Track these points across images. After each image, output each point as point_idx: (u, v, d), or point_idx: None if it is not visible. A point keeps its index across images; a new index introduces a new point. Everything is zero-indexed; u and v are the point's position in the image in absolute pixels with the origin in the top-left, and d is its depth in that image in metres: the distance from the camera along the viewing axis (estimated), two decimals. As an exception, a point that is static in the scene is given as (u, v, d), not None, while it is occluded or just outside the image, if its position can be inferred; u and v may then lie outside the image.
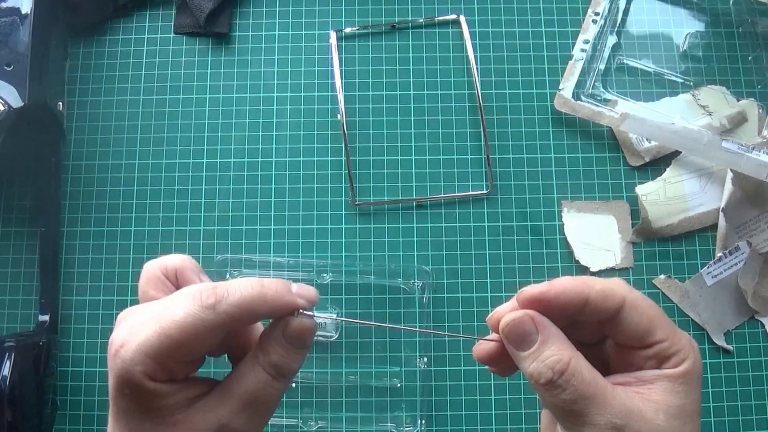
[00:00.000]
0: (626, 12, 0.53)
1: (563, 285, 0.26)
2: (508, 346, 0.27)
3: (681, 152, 0.49)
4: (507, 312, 0.27)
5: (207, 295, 0.25)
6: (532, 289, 0.26)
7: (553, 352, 0.25)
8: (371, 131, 0.51)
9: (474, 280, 0.48)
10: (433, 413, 0.46)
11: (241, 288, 0.26)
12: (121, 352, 0.25)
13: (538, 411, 0.45)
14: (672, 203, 0.49)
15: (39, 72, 0.45)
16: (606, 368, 0.28)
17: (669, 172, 0.49)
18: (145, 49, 0.53)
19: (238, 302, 0.25)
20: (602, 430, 0.24)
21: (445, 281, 0.48)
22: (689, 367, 0.26)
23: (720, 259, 0.48)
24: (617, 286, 0.26)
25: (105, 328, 0.48)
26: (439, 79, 0.52)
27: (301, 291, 0.27)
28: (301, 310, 0.27)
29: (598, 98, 0.50)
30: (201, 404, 0.26)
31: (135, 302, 0.50)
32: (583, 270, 0.48)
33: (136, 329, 0.25)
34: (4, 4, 0.45)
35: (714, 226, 0.49)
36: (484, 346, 0.29)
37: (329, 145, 0.51)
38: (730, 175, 0.48)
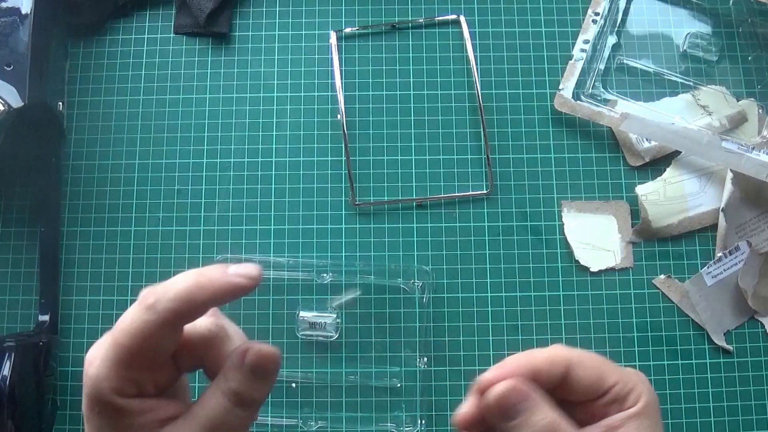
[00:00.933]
0: (626, 12, 0.53)
1: (515, 365, 0.27)
2: (497, 420, 0.27)
3: (681, 152, 0.49)
4: (487, 390, 0.27)
5: (145, 295, 0.25)
6: (487, 377, 0.27)
7: (543, 417, 0.26)
8: (371, 131, 0.51)
9: (474, 280, 0.48)
10: (433, 413, 0.46)
11: (178, 281, 0.25)
12: (89, 369, 0.25)
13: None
14: (672, 203, 0.49)
15: (39, 72, 0.45)
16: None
17: (669, 172, 0.49)
18: (145, 49, 0.53)
19: (174, 296, 0.25)
20: None
21: (445, 281, 0.48)
22: (647, 399, 0.27)
23: (720, 259, 0.48)
24: (559, 350, 0.28)
25: (105, 328, 0.48)
26: (439, 79, 0.52)
27: (240, 270, 0.25)
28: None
29: (598, 98, 0.50)
30: (169, 428, 0.25)
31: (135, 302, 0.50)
32: (584, 270, 0.48)
33: (100, 345, 0.26)
34: (4, 4, 0.45)
35: (714, 226, 0.49)
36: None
37: (329, 145, 0.51)
38: (730, 175, 0.48)
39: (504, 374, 0.27)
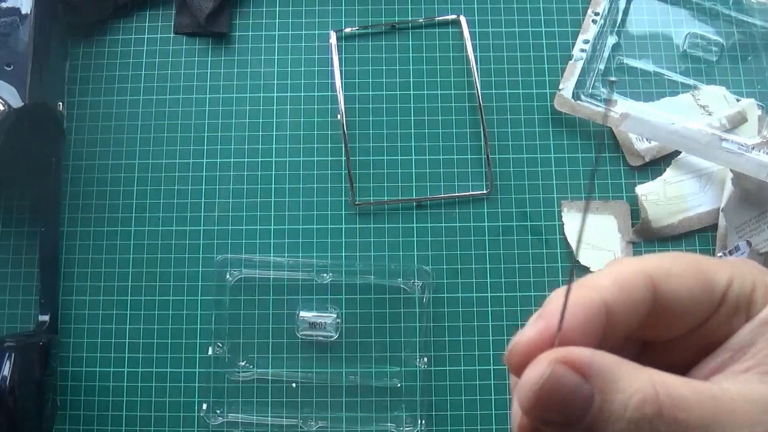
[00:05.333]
0: (626, 12, 0.53)
1: (557, 304, 0.17)
2: (563, 422, 0.17)
3: (681, 152, 0.49)
4: (524, 375, 0.17)
5: None
6: (528, 338, 0.17)
7: (629, 393, 0.16)
8: (371, 131, 0.51)
9: (474, 280, 0.48)
10: (433, 413, 0.46)
11: None
12: None
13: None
14: (672, 203, 0.49)
15: (39, 72, 0.45)
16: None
17: (669, 172, 0.49)
18: (145, 49, 0.53)
19: None
20: None
21: (445, 281, 0.48)
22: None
23: (720, 259, 0.48)
24: (630, 264, 0.18)
25: (105, 328, 0.48)
26: (439, 79, 0.52)
27: None
28: None
29: (598, 98, 0.50)
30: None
31: (135, 302, 0.50)
32: (584, 270, 0.48)
33: None
34: (4, 4, 0.45)
35: (714, 226, 0.49)
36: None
37: (329, 145, 0.51)
38: (730, 175, 0.48)
39: (541, 339, 0.17)
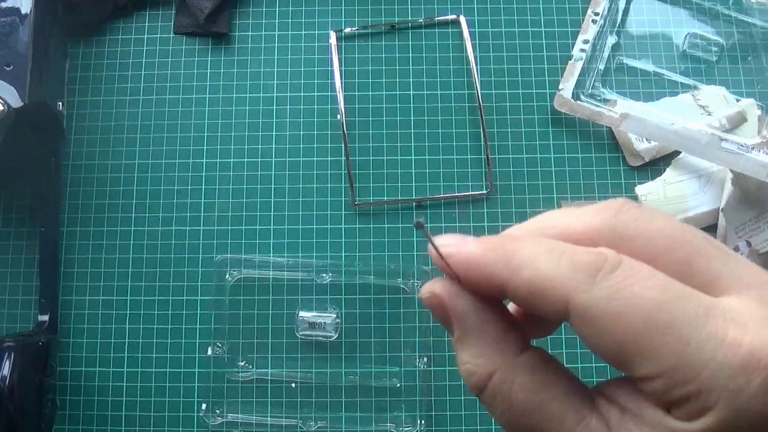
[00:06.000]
0: (626, 12, 0.53)
1: (468, 254, 0.18)
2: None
3: (681, 152, 0.49)
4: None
5: None
6: (440, 246, 0.19)
7: (466, 358, 0.18)
8: (371, 131, 0.51)
9: (474, 280, 0.48)
10: (433, 413, 0.46)
11: None
12: None
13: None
14: (672, 203, 0.49)
15: (39, 72, 0.45)
16: None
17: (669, 173, 0.49)
18: (145, 49, 0.53)
19: None
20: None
21: (444, 281, 0.48)
22: (714, 425, 0.14)
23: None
24: (563, 278, 0.16)
25: (105, 328, 0.48)
26: (439, 79, 0.52)
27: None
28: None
29: (598, 98, 0.50)
30: None
31: (135, 302, 0.50)
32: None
33: None
34: (4, 4, 0.45)
35: (714, 226, 0.49)
36: None
37: (329, 145, 0.51)
38: (730, 175, 0.48)
39: (453, 257, 0.18)
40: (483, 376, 0.18)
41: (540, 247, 0.17)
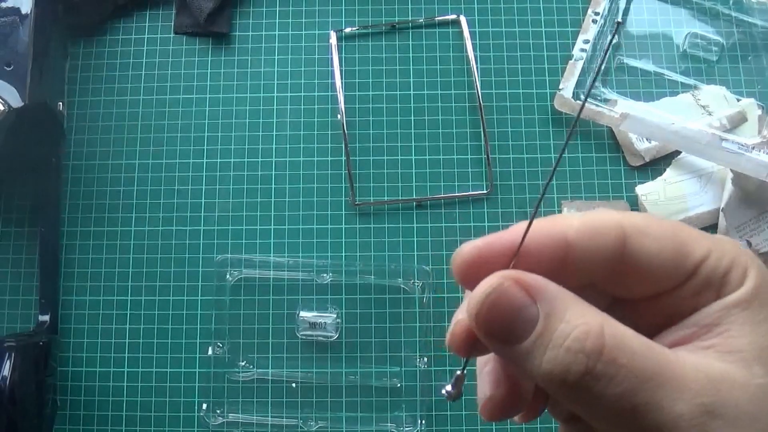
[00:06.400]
0: (626, 12, 0.53)
1: (519, 230, 0.17)
2: (497, 347, 0.18)
3: (681, 152, 0.49)
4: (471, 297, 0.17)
5: None
6: (473, 246, 0.18)
7: (573, 323, 0.16)
8: (371, 131, 0.51)
9: (474, 280, 0.48)
10: (433, 413, 0.46)
11: None
12: None
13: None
14: (672, 203, 0.49)
15: (39, 72, 0.45)
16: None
17: (669, 172, 0.49)
18: (145, 49, 0.53)
19: None
20: (688, 424, 0.15)
21: (445, 281, 0.48)
22: (758, 277, 0.17)
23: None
24: (607, 213, 0.18)
25: (105, 328, 0.48)
26: (439, 79, 0.52)
27: None
28: None
29: (598, 98, 0.50)
30: None
31: (135, 302, 0.50)
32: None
33: None
34: (4, 4, 0.45)
35: (714, 226, 0.49)
36: (484, 394, 0.19)
37: (329, 145, 0.51)
38: (730, 175, 0.48)
39: (494, 253, 0.17)
40: (598, 331, 0.16)
41: (571, 215, 0.19)
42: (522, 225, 0.18)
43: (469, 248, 0.18)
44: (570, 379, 0.16)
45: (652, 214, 0.48)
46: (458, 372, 0.19)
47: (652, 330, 0.18)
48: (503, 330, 0.17)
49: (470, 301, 0.17)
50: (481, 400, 0.19)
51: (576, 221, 0.18)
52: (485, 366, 0.20)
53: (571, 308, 0.16)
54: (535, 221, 0.18)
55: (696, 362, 0.16)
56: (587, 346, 0.16)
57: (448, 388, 0.19)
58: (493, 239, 0.18)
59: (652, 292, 0.18)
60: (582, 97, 0.50)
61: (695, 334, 0.17)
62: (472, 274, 0.18)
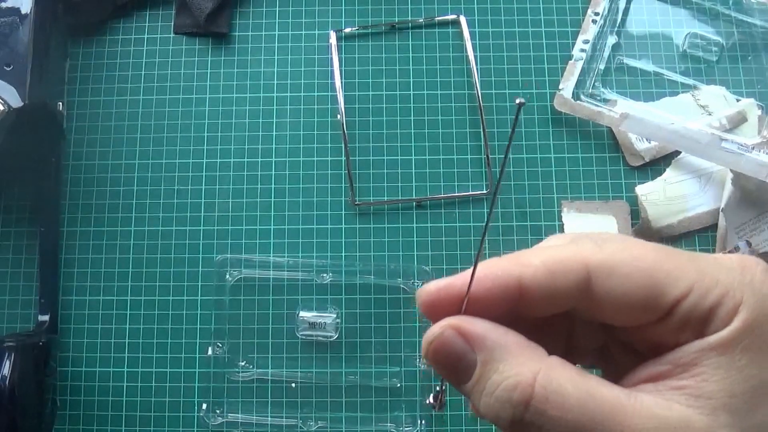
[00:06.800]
0: (626, 12, 0.53)
1: (481, 272, 0.18)
2: (451, 382, 0.19)
3: (681, 152, 0.49)
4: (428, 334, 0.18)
5: None
6: (433, 287, 0.19)
7: (505, 374, 0.17)
8: (371, 131, 0.51)
9: (474, 280, 0.48)
10: (433, 413, 0.46)
11: None
12: None
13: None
14: (672, 203, 0.49)
15: (39, 72, 0.45)
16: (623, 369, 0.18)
17: (669, 172, 0.49)
18: (145, 49, 0.53)
19: None
20: None
21: (445, 281, 0.48)
22: (749, 315, 0.16)
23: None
24: (574, 251, 0.17)
25: (105, 328, 0.48)
26: (439, 79, 0.52)
27: None
28: None
29: (598, 98, 0.50)
30: None
31: (135, 302, 0.50)
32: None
33: None
34: (4, 4, 0.45)
35: (714, 226, 0.49)
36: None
37: (329, 145, 0.51)
38: (730, 175, 0.48)
39: (440, 293, 0.18)
40: (527, 383, 0.16)
41: (536, 249, 0.18)
42: (487, 264, 0.18)
43: (429, 288, 0.19)
44: (501, 424, 0.17)
45: (653, 213, 0.48)
46: (437, 388, 0.21)
47: (649, 350, 0.18)
48: (448, 372, 0.18)
49: (423, 343, 0.19)
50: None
51: (537, 260, 0.18)
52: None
53: (507, 358, 0.17)
54: (495, 261, 0.18)
55: (654, 407, 0.16)
56: (514, 397, 0.16)
57: (431, 400, 0.20)
58: (452, 281, 0.19)
59: (628, 324, 0.18)
60: (582, 97, 0.50)
61: (670, 372, 0.17)
62: (433, 312, 0.19)
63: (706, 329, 0.16)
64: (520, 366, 0.17)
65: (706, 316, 0.16)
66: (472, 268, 0.18)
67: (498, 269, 0.18)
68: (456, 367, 0.18)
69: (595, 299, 0.17)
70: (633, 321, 0.18)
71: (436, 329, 0.18)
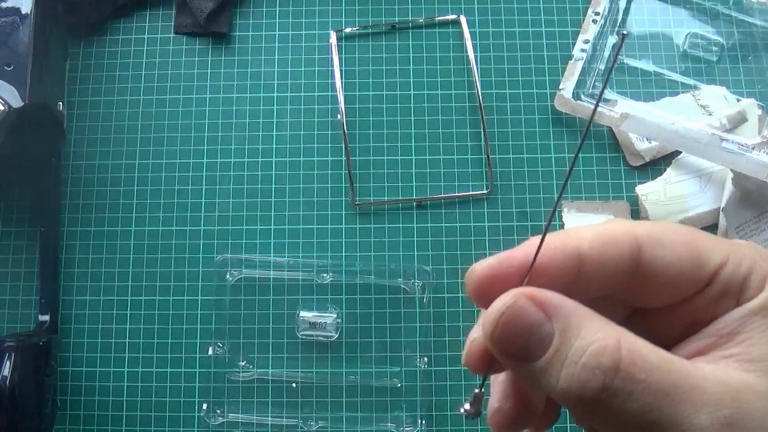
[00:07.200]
0: (626, 12, 0.53)
1: (532, 246, 0.17)
2: (512, 365, 0.17)
3: (681, 152, 0.49)
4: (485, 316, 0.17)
5: None
6: (490, 261, 0.18)
7: (589, 339, 0.16)
8: (371, 131, 0.51)
9: (474, 280, 0.48)
10: (433, 413, 0.46)
11: None
12: None
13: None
14: (672, 203, 0.49)
15: (39, 72, 0.45)
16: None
17: (669, 172, 0.49)
18: (145, 49, 0.53)
19: None
20: None
21: (445, 281, 0.48)
22: None
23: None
24: (620, 224, 0.18)
25: (105, 328, 0.48)
26: (439, 79, 0.52)
27: None
28: None
29: (598, 98, 0.50)
30: None
31: (135, 302, 0.50)
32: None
33: None
34: (4, 4, 0.45)
35: (714, 226, 0.49)
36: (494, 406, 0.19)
37: (329, 145, 0.51)
38: (730, 175, 0.48)
39: (500, 267, 0.17)
40: (615, 346, 0.16)
41: (585, 227, 0.18)
42: (534, 241, 0.18)
43: (482, 267, 0.18)
44: (587, 396, 0.16)
45: (654, 213, 0.48)
46: (476, 390, 0.19)
47: (672, 340, 0.18)
48: (519, 348, 0.17)
49: (485, 320, 0.17)
50: (491, 410, 0.19)
51: (588, 233, 0.18)
52: (497, 377, 0.20)
53: (587, 324, 0.16)
54: (547, 236, 0.18)
55: (716, 373, 0.16)
56: (603, 362, 0.16)
57: (467, 406, 0.19)
58: (505, 256, 0.18)
59: (669, 301, 0.18)
60: (582, 97, 0.50)
61: (715, 343, 0.17)
62: (487, 293, 0.18)
63: (742, 297, 0.17)
64: (603, 330, 0.16)
65: (741, 284, 0.17)
66: (541, 237, 0.17)
67: (557, 242, 0.18)
68: (529, 340, 0.16)
69: (644, 272, 0.17)
70: (676, 294, 0.18)
71: (507, 298, 0.17)
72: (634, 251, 0.17)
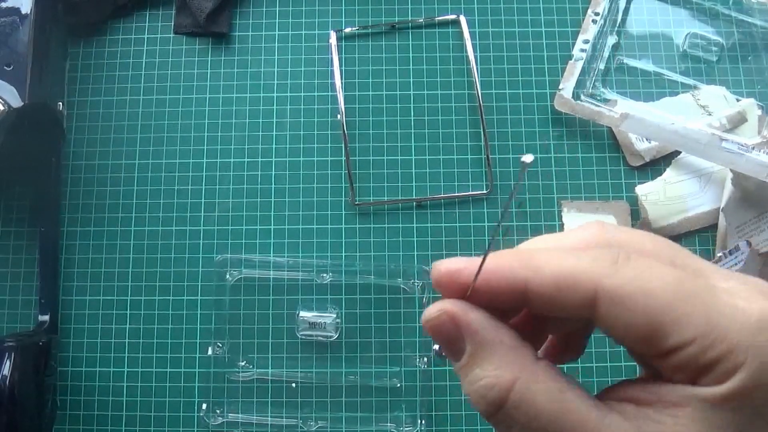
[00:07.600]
0: (626, 12, 0.53)
1: (494, 260, 0.18)
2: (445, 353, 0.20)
3: (681, 152, 0.49)
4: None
5: None
6: (445, 268, 0.19)
7: (485, 373, 0.18)
8: (371, 131, 0.51)
9: (474, 280, 0.48)
10: (433, 413, 0.46)
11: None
12: None
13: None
14: (672, 203, 0.49)
15: (39, 72, 0.45)
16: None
17: (669, 172, 0.49)
18: (145, 49, 0.53)
19: None
20: None
21: (445, 281, 0.48)
22: (745, 381, 0.15)
23: (720, 259, 0.48)
24: (585, 268, 0.17)
25: (105, 328, 0.48)
26: (439, 79, 0.52)
27: None
28: None
29: (598, 98, 0.50)
30: None
31: (135, 302, 0.50)
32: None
33: None
34: (4, 4, 0.45)
35: (714, 226, 0.49)
36: None
37: (329, 145, 0.51)
38: (730, 175, 0.48)
39: (461, 274, 0.19)
40: (504, 387, 0.17)
41: (554, 251, 0.18)
42: (498, 256, 0.19)
43: (446, 266, 0.19)
44: (480, 411, 0.18)
45: (653, 213, 0.48)
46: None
47: (651, 363, 0.18)
48: (446, 347, 0.19)
49: (423, 315, 0.19)
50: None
51: (548, 269, 0.18)
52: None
53: (491, 358, 0.18)
54: (506, 255, 0.19)
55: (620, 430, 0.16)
56: (489, 396, 0.18)
57: (436, 347, 0.21)
58: (466, 264, 0.19)
59: (627, 347, 0.18)
60: (582, 97, 0.50)
61: (654, 402, 0.17)
62: (442, 290, 0.20)
63: (701, 379, 0.16)
64: (502, 368, 0.18)
65: (702, 368, 0.16)
66: (482, 257, 0.18)
67: (507, 268, 0.18)
68: (447, 347, 0.19)
69: (598, 318, 0.17)
70: (633, 349, 0.18)
71: (433, 310, 0.19)
72: (588, 301, 0.17)
